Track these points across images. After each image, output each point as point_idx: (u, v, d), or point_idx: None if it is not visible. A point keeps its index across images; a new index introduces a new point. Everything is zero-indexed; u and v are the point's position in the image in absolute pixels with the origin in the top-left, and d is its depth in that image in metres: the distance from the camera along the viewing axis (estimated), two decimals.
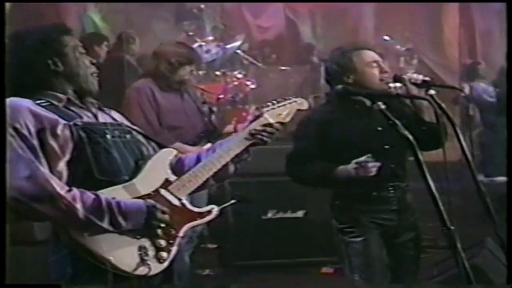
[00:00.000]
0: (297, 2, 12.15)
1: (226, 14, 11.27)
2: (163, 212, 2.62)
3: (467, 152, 3.11)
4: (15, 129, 2.49)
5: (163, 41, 6.00)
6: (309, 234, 5.83)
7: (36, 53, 2.67)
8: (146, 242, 2.59)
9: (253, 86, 8.59)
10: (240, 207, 5.66)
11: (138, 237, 2.58)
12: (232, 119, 7.67)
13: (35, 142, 2.51)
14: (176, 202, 2.73)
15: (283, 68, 10.28)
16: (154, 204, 2.61)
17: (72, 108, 2.70)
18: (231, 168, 2.94)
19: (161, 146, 2.95)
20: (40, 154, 2.51)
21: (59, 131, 2.56)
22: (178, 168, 2.85)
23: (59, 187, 2.47)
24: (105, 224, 2.50)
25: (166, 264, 2.63)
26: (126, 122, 2.92)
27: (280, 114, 3.01)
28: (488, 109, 9.48)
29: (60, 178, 2.52)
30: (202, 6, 10.18)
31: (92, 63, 2.79)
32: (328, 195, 3.82)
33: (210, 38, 9.52)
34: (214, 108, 6.90)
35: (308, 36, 12.55)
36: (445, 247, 2.71)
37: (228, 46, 9.53)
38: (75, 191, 2.49)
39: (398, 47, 11.26)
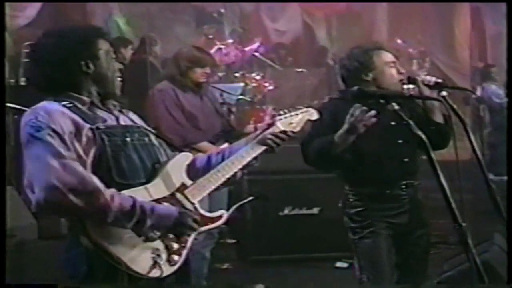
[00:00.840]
0: (312, 1, 12.08)
1: (245, 18, 11.27)
2: (194, 221, 2.64)
3: (478, 152, 3.10)
4: (54, 131, 2.49)
5: (184, 44, 6.03)
6: (324, 230, 5.84)
7: (71, 52, 2.65)
8: (159, 245, 2.59)
9: (270, 88, 8.61)
10: (258, 204, 5.67)
11: (152, 239, 2.57)
12: (250, 119, 7.68)
13: (69, 142, 2.51)
14: (189, 206, 2.72)
15: (299, 70, 10.26)
16: (186, 212, 2.62)
17: (95, 110, 2.69)
18: (239, 173, 2.95)
19: (172, 149, 2.95)
20: (74, 155, 2.51)
21: (83, 134, 2.56)
22: (189, 169, 2.84)
23: (100, 184, 2.47)
24: (131, 225, 2.50)
25: (176, 267, 2.62)
26: (144, 124, 2.91)
27: (291, 123, 3.05)
28: (496, 111, 9.44)
29: None
30: (222, 10, 10.19)
31: (119, 68, 2.78)
32: (342, 193, 3.80)
33: (230, 41, 9.52)
34: (233, 109, 6.90)
35: (324, 39, 12.53)
36: (456, 243, 2.69)
37: (246, 49, 9.54)
38: (113, 190, 2.50)
39: (410, 50, 11.22)
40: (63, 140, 2.49)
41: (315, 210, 6.12)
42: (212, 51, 7.90)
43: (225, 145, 4.80)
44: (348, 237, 3.72)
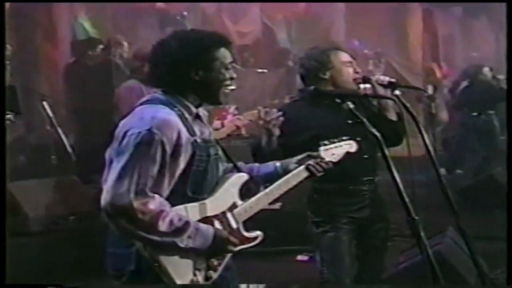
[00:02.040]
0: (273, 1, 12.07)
1: (207, 20, 11.23)
2: (230, 243, 2.65)
3: (430, 148, 3.13)
4: (162, 142, 2.47)
5: (149, 46, 5.98)
6: (286, 224, 5.85)
7: (186, 57, 2.61)
8: (202, 261, 2.61)
9: (232, 87, 8.59)
10: None
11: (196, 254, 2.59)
12: (213, 118, 7.64)
13: (168, 159, 2.49)
14: (234, 225, 2.73)
15: (260, 70, 10.26)
16: (221, 236, 2.62)
17: (197, 121, 2.67)
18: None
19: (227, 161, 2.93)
20: (167, 172, 2.50)
21: (185, 148, 2.54)
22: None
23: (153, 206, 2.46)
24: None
25: (211, 281, 2.64)
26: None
27: (333, 154, 3.09)
28: (459, 108, 9.67)
29: (162, 190, 2.51)
30: (185, 13, 10.16)
31: (231, 78, 2.73)
32: (303, 189, 3.79)
33: None
34: None
35: (284, 41, 12.54)
36: (411, 235, 2.72)
37: None
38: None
39: (367, 51, 11.32)
40: (164, 155, 2.48)
41: (277, 206, 6.13)
42: None
43: None
44: (311, 231, 3.73)
